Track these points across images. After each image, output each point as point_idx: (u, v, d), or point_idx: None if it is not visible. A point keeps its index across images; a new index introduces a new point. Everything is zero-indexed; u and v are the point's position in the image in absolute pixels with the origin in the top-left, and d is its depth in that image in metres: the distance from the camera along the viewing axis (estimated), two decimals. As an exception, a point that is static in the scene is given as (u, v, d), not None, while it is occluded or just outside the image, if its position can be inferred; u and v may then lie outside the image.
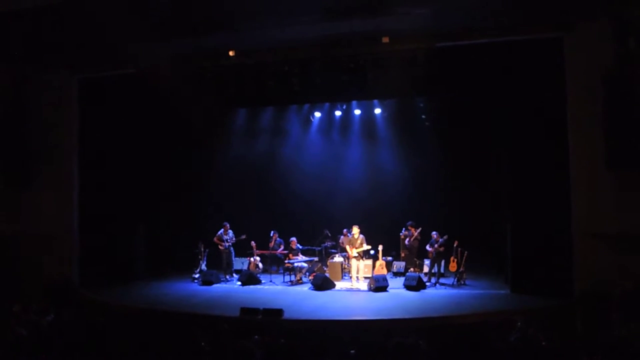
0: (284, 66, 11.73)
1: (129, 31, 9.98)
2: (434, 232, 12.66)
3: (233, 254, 13.92)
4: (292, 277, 13.15)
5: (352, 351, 5.92)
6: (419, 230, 13.47)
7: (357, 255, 12.40)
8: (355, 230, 12.54)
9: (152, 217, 14.46)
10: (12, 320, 7.22)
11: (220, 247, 13.68)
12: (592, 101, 9.92)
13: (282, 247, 13.90)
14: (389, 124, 15.65)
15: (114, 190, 13.22)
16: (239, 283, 13.06)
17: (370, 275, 12.80)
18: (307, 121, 16.18)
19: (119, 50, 11.19)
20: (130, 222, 13.78)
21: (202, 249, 13.71)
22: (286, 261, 13.39)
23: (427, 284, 12.26)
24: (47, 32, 10.45)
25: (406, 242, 13.69)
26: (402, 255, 13.98)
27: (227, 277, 13.65)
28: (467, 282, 12.38)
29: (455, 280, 12.31)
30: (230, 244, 13.73)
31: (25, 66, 12.11)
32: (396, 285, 12.27)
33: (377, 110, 15.38)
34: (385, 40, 10.78)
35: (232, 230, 13.83)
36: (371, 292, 11.76)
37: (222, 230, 13.75)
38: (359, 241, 12.44)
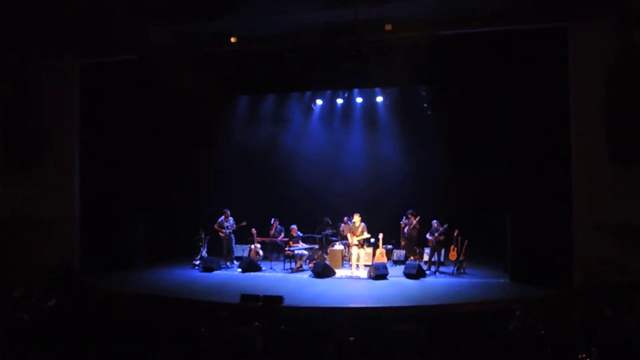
0: (286, 53, 11.67)
1: (131, 16, 9.93)
2: (434, 221, 12.68)
3: (234, 240, 13.93)
4: (293, 265, 13.19)
5: (352, 338, 5.95)
6: (417, 219, 13.48)
7: (357, 243, 12.43)
8: (357, 218, 12.57)
9: (153, 202, 14.46)
10: (13, 305, 7.26)
11: (220, 234, 13.70)
12: (595, 94, 9.90)
13: (282, 235, 13.92)
14: (390, 113, 15.59)
15: (115, 176, 13.21)
16: (240, 270, 13.10)
17: (370, 263, 12.84)
18: (309, 109, 16.13)
19: (121, 36, 11.14)
20: (131, 208, 13.78)
21: (203, 236, 13.74)
22: (287, 248, 13.42)
23: (427, 272, 12.30)
24: (49, 16, 10.39)
25: (405, 230, 13.71)
26: (403, 243, 14.02)
27: (228, 264, 13.69)
28: (466, 270, 12.42)
29: (455, 269, 12.36)
30: (230, 230, 13.75)
31: (27, 50, 12.06)
32: (396, 273, 12.31)
33: (379, 99, 15.33)
34: (388, 27, 10.72)
35: (233, 217, 13.85)
36: (371, 280, 11.80)
37: (223, 217, 13.76)
38: (360, 229, 12.46)
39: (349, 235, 12.68)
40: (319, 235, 14.18)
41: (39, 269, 11.39)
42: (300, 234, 13.66)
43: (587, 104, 10.21)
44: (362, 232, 12.45)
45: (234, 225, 13.78)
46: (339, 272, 12.60)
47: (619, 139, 9.43)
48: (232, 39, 11.44)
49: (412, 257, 13.48)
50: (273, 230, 14.09)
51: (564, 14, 10.32)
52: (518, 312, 6.97)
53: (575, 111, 10.49)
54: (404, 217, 13.94)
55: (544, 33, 10.72)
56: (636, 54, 9.29)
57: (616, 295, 8.58)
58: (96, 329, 6.10)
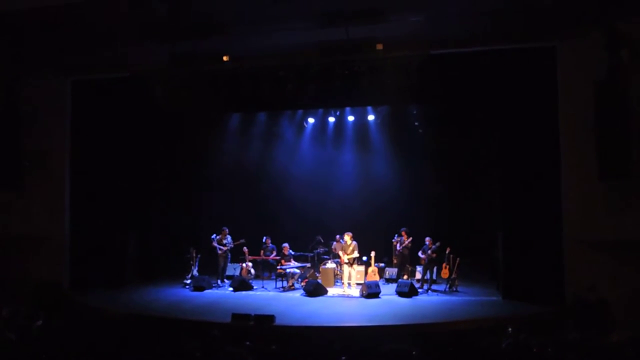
0: (278, 72, 11.74)
1: (123, 34, 9.97)
2: (427, 238, 12.67)
3: (229, 259, 13.89)
4: (284, 283, 13.10)
5: (344, 357, 5.91)
6: (410, 240, 13.46)
7: (347, 261, 12.42)
8: (347, 237, 12.55)
9: (144, 221, 14.39)
10: (0, 325, 7.15)
11: (219, 251, 13.62)
12: (584, 111, 10.00)
13: (274, 253, 13.86)
14: (382, 131, 15.69)
15: (105, 194, 13.14)
16: (231, 289, 13.00)
17: (362, 282, 12.79)
18: (301, 127, 16.19)
19: (113, 54, 11.16)
20: (122, 226, 13.69)
21: (194, 255, 13.63)
22: (278, 267, 13.35)
23: (420, 290, 12.25)
24: (40, 33, 10.41)
25: (397, 247, 13.69)
26: (395, 261, 13.98)
27: (219, 282, 13.59)
28: (459, 288, 12.39)
29: (447, 286, 12.33)
30: (228, 248, 13.70)
31: (18, 67, 12.04)
32: (388, 291, 12.26)
33: (371, 117, 15.42)
34: (380, 47, 10.81)
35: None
36: (363, 299, 11.74)
37: (217, 235, 13.68)
38: (350, 248, 12.45)
39: (340, 253, 12.64)
40: (311, 254, 14.12)
41: (27, 288, 11.27)
42: (292, 253, 13.60)
43: (576, 121, 10.33)
44: (352, 251, 12.43)
45: (232, 243, 13.73)
46: (331, 291, 12.53)
47: (608, 155, 9.51)
48: (225, 58, 11.48)
49: (404, 276, 13.44)
50: (265, 248, 14.03)
51: (552, 33, 10.49)
52: (510, 329, 6.96)
53: (564, 128, 10.62)
54: (396, 235, 13.92)
55: (533, 52, 10.88)
56: (623, 71, 9.42)
57: (587, 313, 8.62)
58: (85, 348, 6.03)
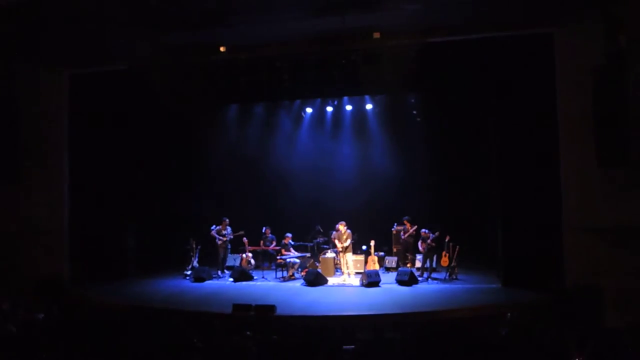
0: (275, 62, 11.70)
1: (120, 26, 9.91)
2: (423, 230, 12.69)
3: (229, 249, 13.91)
4: (285, 273, 13.14)
5: (345, 346, 5.94)
6: (414, 228, 13.47)
7: (341, 249, 12.53)
8: (341, 226, 12.60)
9: (143, 213, 14.38)
10: (1, 318, 7.18)
11: (219, 241, 13.65)
12: (583, 98, 9.96)
13: (274, 243, 13.88)
14: (380, 120, 15.66)
15: (105, 187, 13.12)
16: (231, 279, 13.04)
17: (362, 271, 12.83)
18: (299, 117, 16.16)
19: (110, 46, 11.11)
20: (122, 218, 13.69)
21: (194, 246, 13.67)
22: (278, 257, 13.38)
23: (419, 279, 12.30)
24: (37, 27, 10.34)
25: (401, 235, 13.71)
26: (395, 250, 14.01)
27: (219, 273, 13.63)
28: (459, 276, 12.43)
29: (447, 275, 12.37)
30: (228, 239, 13.72)
31: (14, 61, 11.98)
32: (388, 280, 12.30)
33: (369, 106, 15.39)
34: (377, 35, 10.77)
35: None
36: (363, 288, 11.78)
37: (216, 225, 13.70)
38: (344, 236, 12.54)
39: (337, 242, 12.69)
40: (311, 244, 14.15)
41: (28, 281, 11.29)
42: (292, 242, 13.62)
43: (575, 108, 10.30)
44: (346, 240, 12.50)
45: (231, 234, 13.75)
46: (332, 280, 12.58)
47: (607, 142, 9.48)
48: (222, 48, 11.44)
49: (408, 264, 13.47)
50: (265, 239, 14.05)
51: (549, 20, 10.44)
52: (509, 315, 7.00)
53: (563, 115, 10.60)
54: (396, 224, 13.95)
55: (531, 39, 10.83)
56: (622, 57, 9.38)
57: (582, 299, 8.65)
58: (86, 341, 6.05)
